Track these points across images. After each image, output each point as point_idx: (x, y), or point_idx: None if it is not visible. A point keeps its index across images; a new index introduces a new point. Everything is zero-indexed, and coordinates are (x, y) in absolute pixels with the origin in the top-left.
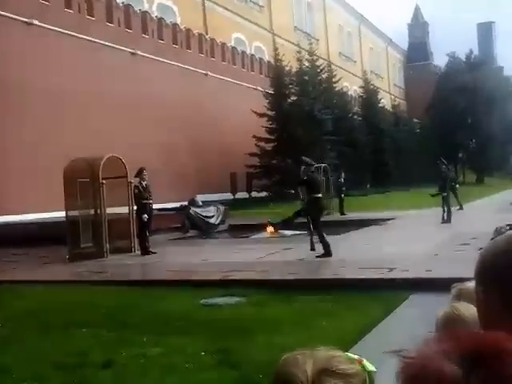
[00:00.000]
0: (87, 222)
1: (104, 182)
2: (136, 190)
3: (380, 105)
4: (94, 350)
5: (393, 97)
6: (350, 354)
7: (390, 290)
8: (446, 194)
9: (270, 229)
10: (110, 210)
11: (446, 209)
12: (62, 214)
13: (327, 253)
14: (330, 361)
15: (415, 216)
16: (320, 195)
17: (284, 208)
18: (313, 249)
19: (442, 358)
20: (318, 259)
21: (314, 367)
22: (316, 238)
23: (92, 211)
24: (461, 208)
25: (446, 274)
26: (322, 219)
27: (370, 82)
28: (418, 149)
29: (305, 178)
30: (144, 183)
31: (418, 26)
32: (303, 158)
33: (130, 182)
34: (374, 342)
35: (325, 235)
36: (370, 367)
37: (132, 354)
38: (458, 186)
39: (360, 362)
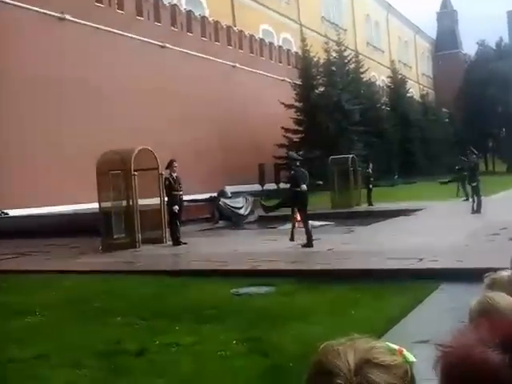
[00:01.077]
0: (120, 213)
1: (136, 173)
2: (167, 182)
3: (408, 95)
4: (128, 339)
5: (421, 86)
6: (390, 344)
7: (419, 281)
8: (476, 183)
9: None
10: (141, 202)
11: (476, 199)
12: (95, 205)
13: (309, 243)
14: (372, 351)
15: (444, 206)
16: (305, 189)
17: (311, 198)
18: (292, 239)
19: (483, 345)
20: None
21: (356, 358)
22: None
23: (124, 202)
24: (467, 199)
25: (477, 264)
26: (353, 210)
27: (397, 72)
28: (446, 138)
29: (291, 172)
30: (174, 175)
31: (447, 15)
32: (289, 153)
33: (161, 174)
34: (404, 332)
35: (308, 225)
36: (411, 358)
37: (165, 343)
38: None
39: (400, 353)
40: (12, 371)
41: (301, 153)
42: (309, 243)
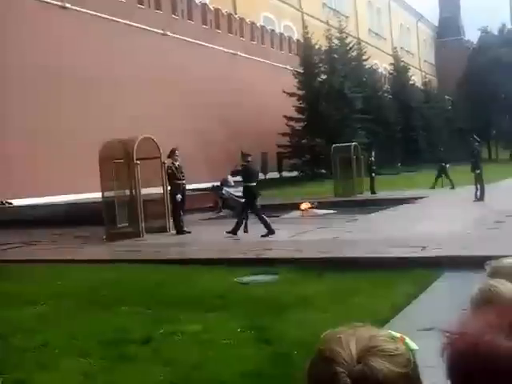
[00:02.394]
0: (123, 202)
1: (138, 162)
2: (169, 171)
3: (410, 82)
4: (134, 327)
5: (423, 73)
6: (392, 332)
7: (422, 268)
8: (479, 171)
9: (305, 206)
10: (144, 191)
11: (478, 186)
12: (99, 194)
13: (270, 231)
14: (374, 339)
15: (447, 194)
16: (254, 184)
17: (314, 187)
18: (246, 231)
19: (492, 331)
20: (265, 238)
21: (359, 346)
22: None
23: (127, 192)
24: (452, 187)
25: (480, 251)
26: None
27: (400, 59)
28: (449, 126)
29: (241, 167)
30: (176, 163)
31: (449, 1)
32: (242, 151)
33: (164, 163)
34: (407, 320)
35: (264, 216)
36: (413, 345)
37: (170, 331)
38: (448, 165)
39: (402, 341)
40: (20, 359)
41: (304, 141)
42: (269, 231)
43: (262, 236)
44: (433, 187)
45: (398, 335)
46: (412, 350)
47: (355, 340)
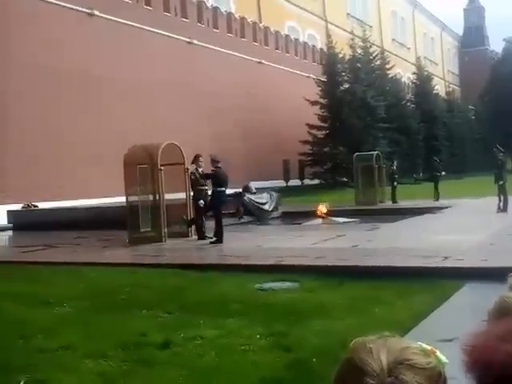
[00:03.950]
0: (146, 207)
1: (162, 168)
2: (192, 177)
3: (434, 91)
4: (153, 331)
5: (447, 83)
6: (423, 345)
7: (443, 279)
8: (502, 182)
9: (322, 211)
10: (168, 196)
11: (502, 198)
12: (122, 199)
13: (219, 239)
14: (405, 352)
15: (470, 205)
16: (223, 189)
17: (336, 195)
18: (211, 237)
19: (506, 341)
20: (212, 245)
21: (390, 358)
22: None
23: (151, 197)
24: (437, 199)
25: (502, 263)
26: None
27: (423, 69)
28: (472, 136)
29: (211, 172)
30: (200, 170)
31: (474, 11)
32: (211, 155)
33: (187, 169)
34: (428, 330)
35: (221, 223)
36: (444, 359)
37: (189, 336)
38: (439, 174)
39: (433, 353)
40: (41, 360)
41: (326, 149)
42: (218, 239)
43: (211, 242)
44: (437, 199)
45: (429, 348)
46: (443, 364)
47: (386, 351)
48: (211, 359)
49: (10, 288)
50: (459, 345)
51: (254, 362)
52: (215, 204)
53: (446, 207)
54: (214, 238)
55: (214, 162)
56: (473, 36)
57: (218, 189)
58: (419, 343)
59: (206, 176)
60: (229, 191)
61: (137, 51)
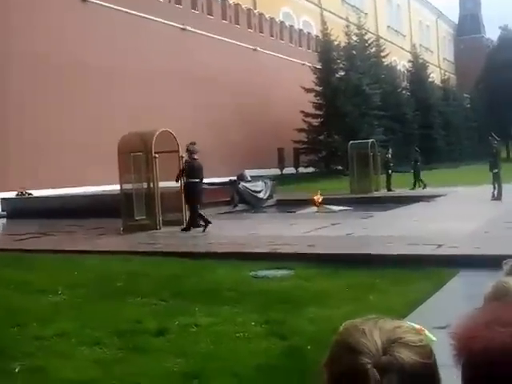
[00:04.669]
0: (140, 194)
1: (157, 155)
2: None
3: (429, 79)
4: (148, 319)
5: (442, 71)
6: (411, 324)
7: (438, 267)
8: (497, 170)
9: (317, 199)
10: (162, 184)
11: (496, 186)
12: (117, 187)
13: (188, 228)
14: (398, 330)
15: (464, 193)
16: (197, 180)
17: (331, 183)
18: (201, 225)
19: (501, 326)
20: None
21: (383, 337)
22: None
23: (145, 184)
24: (424, 187)
25: (496, 251)
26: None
27: (418, 56)
28: (467, 124)
29: (185, 163)
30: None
31: None
32: (188, 145)
33: (182, 157)
34: (422, 317)
35: (197, 214)
36: (432, 337)
37: (184, 323)
38: (418, 163)
39: (422, 332)
40: (37, 347)
41: (321, 137)
42: (187, 228)
43: (182, 230)
44: (422, 186)
45: (418, 327)
46: (431, 342)
47: (379, 331)
48: (206, 346)
49: (4, 276)
50: (448, 330)
51: (249, 350)
52: (188, 195)
53: (441, 195)
54: (184, 227)
55: (191, 152)
56: (468, 24)
57: (190, 180)
58: (408, 322)
59: (181, 170)
60: (223, 179)
61: (130, 38)
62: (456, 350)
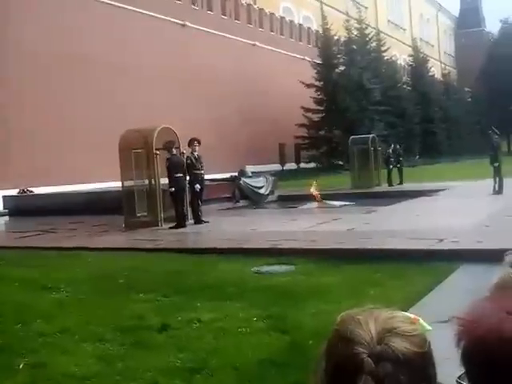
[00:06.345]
0: (142, 191)
1: (158, 152)
2: (188, 161)
3: (430, 73)
4: (150, 315)
5: (443, 65)
6: (406, 314)
7: (439, 261)
8: (497, 164)
9: (316, 194)
10: (163, 180)
11: (497, 179)
12: (118, 184)
13: (179, 224)
14: (392, 321)
15: (466, 187)
16: (180, 175)
17: (332, 178)
18: (207, 221)
19: (507, 314)
20: (173, 230)
21: (378, 327)
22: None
23: (146, 181)
24: (401, 183)
25: (498, 244)
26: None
27: (419, 50)
28: (468, 118)
29: (166, 161)
30: (195, 154)
31: None
32: (164, 143)
33: (183, 153)
34: (423, 312)
35: (183, 210)
36: (427, 326)
37: (186, 319)
38: (401, 159)
39: (416, 321)
40: (39, 345)
41: (322, 132)
42: (178, 225)
43: (170, 228)
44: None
45: (412, 316)
46: (426, 331)
47: (373, 321)
48: (209, 342)
49: (7, 273)
50: (454, 320)
51: (251, 345)
52: (176, 190)
53: (442, 190)
54: (174, 224)
55: (169, 149)
56: (469, 17)
57: (175, 175)
58: (403, 312)
59: (167, 168)
60: (225, 175)
61: (130, 34)
62: (459, 333)
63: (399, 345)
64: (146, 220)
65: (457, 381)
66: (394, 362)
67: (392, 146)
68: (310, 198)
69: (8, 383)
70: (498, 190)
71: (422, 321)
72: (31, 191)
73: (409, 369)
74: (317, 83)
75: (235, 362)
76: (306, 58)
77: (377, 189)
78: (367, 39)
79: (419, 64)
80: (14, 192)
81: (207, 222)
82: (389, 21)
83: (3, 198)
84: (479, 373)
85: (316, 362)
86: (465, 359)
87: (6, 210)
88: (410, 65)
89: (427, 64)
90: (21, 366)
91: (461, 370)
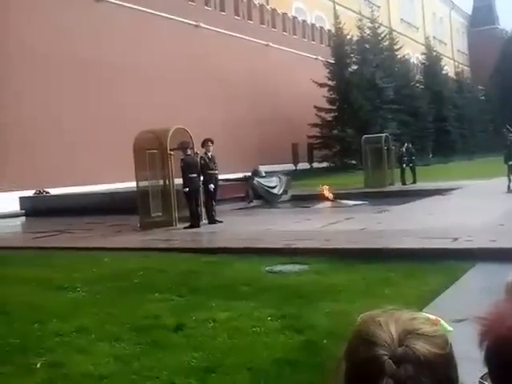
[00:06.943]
0: (157, 191)
1: (172, 153)
2: (202, 161)
3: (443, 72)
4: (166, 314)
5: (456, 63)
6: (427, 315)
7: (453, 260)
8: (511, 162)
9: (329, 194)
10: (178, 181)
11: (511, 178)
12: (133, 184)
13: (193, 225)
14: (413, 322)
15: (479, 186)
16: (194, 175)
17: (345, 178)
18: (221, 221)
19: None
20: (187, 230)
21: (399, 328)
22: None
23: (161, 181)
24: (414, 182)
25: None
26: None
27: (432, 49)
28: (482, 117)
29: (180, 161)
30: (209, 154)
31: None
32: (178, 143)
33: (197, 153)
34: (438, 311)
35: (198, 209)
36: (448, 327)
37: (201, 318)
38: (413, 158)
39: (438, 323)
40: (56, 344)
41: (334, 132)
42: (192, 225)
43: (185, 228)
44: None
45: (433, 317)
46: (448, 332)
47: (395, 322)
48: (223, 341)
49: (24, 273)
50: (476, 320)
51: (266, 344)
52: (190, 190)
53: (456, 188)
54: (189, 224)
55: (184, 149)
56: (482, 15)
57: (190, 175)
58: (424, 313)
59: (181, 168)
60: (238, 175)
61: (145, 35)
62: (481, 333)
63: (421, 346)
64: (160, 220)
65: (479, 381)
66: (416, 363)
67: (405, 144)
68: (322, 197)
69: (26, 382)
70: None
71: (443, 322)
72: (47, 192)
73: (430, 371)
74: (329, 82)
75: (250, 361)
76: (319, 57)
77: (390, 188)
78: (380, 38)
79: (432, 62)
80: (30, 193)
81: (221, 221)
82: (401, 20)
83: (20, 199)
84: (502, 373)
85: (336, 363)
86: (487, 359)
87: (23, 211)
88: (423, 63)
89: (440, 62)
90: (38, 366)
91: (480, 371)
